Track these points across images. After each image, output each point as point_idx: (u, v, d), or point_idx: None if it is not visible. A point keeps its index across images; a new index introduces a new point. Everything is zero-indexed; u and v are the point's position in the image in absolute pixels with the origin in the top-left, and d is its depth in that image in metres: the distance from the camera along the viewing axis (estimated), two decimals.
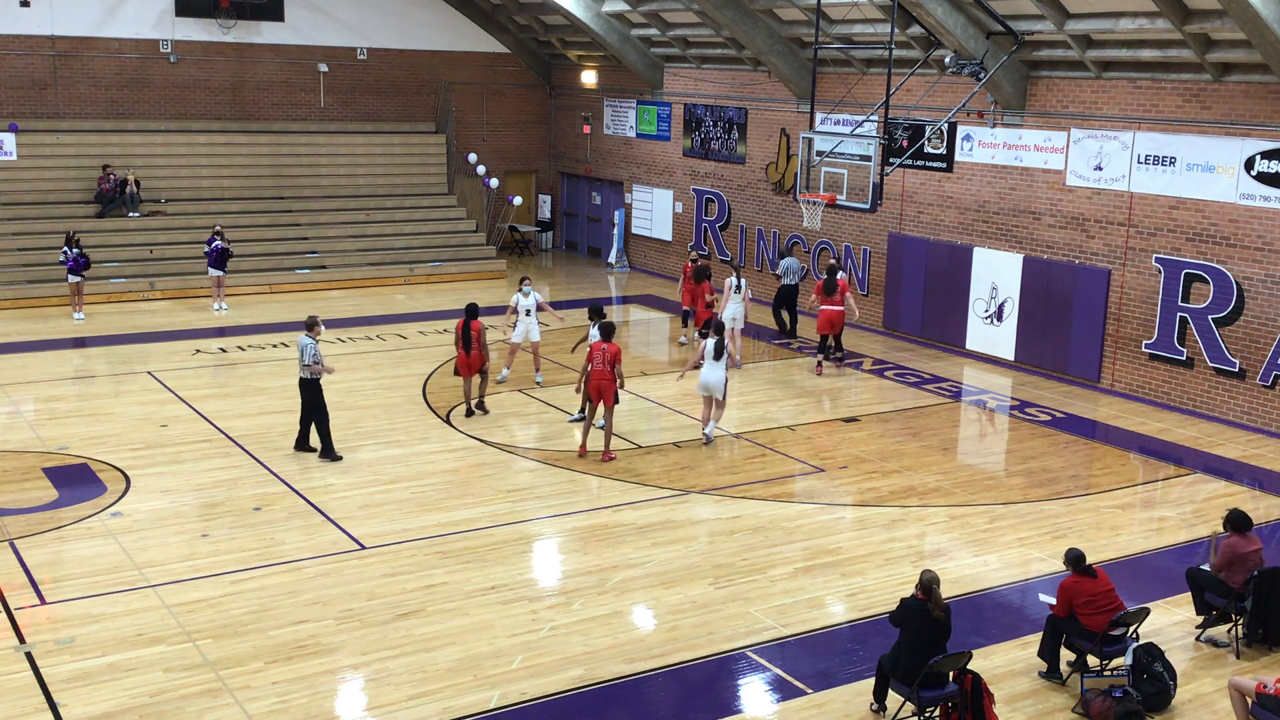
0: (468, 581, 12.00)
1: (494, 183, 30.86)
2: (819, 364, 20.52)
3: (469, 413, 17.55)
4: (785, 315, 23.05)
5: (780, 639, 10.99)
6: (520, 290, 18.89)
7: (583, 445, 16.06)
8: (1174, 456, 16.74)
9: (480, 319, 17.49)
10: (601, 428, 16.01)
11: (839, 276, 20.36)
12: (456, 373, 17.57)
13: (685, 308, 22.08)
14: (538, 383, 19.22)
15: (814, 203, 19.69)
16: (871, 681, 9.90)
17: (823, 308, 20.24)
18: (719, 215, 27.76)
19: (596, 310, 17.24)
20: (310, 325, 15.44)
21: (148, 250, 26.30)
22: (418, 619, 11.17)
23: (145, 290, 25.40)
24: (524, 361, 19.91)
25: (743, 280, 20.58)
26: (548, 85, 33.01)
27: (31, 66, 26.88)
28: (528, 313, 18.81)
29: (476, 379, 17.68)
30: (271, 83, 29.43)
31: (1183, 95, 18.32)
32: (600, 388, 15.66)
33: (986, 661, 10.46)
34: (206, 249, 24.18)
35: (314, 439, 15.72)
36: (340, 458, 15.41)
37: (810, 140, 19.88)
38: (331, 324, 23.05)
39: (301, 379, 15.41)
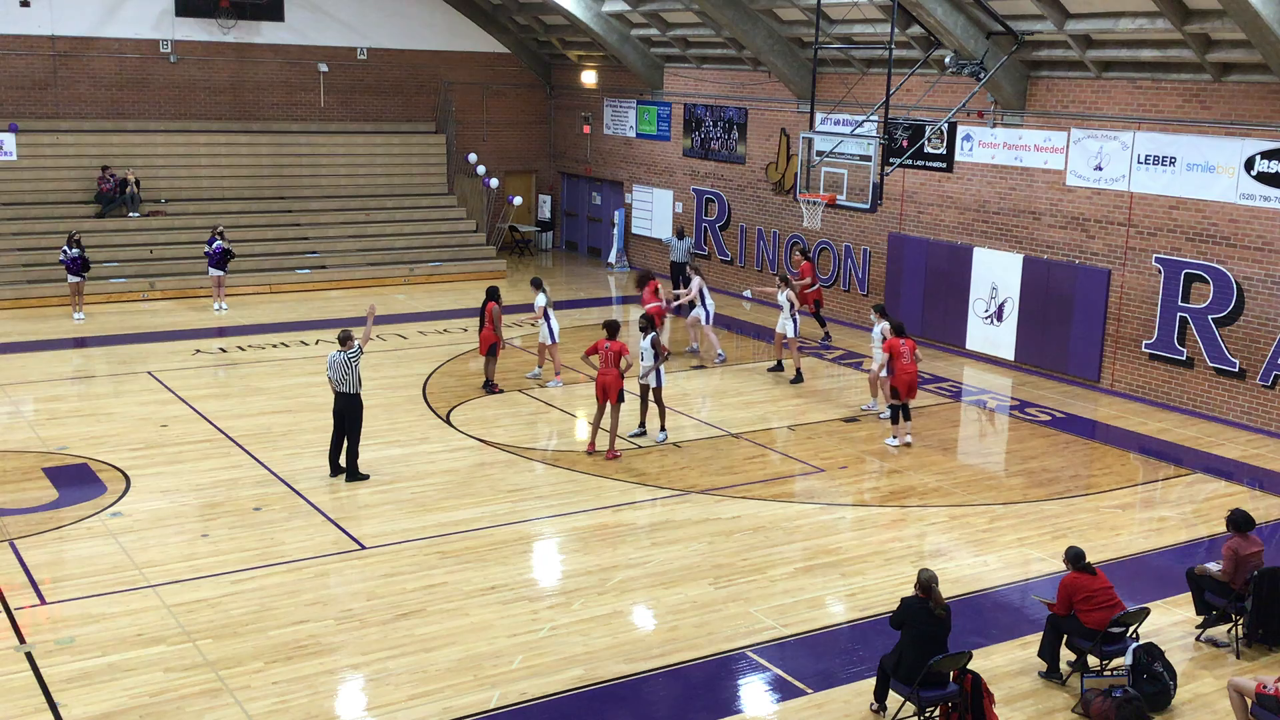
0: (468, 581, 12.00)
1: (494, 183, 30.87)
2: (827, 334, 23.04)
3: (485, 387, 18.79)
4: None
5: (780, 639, 10.99)
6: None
7: (591, 442, 16.12)
8: (1174, 456, 16.74)
9: (495, 302, 18.60)
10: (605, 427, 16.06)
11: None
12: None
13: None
14: (549, 385, 19.23)
15: (814, 203, 19.70)
16: (872, 681, 9.90)
17: (819, 285, 22.81)
18: (719, 215, 27.76)
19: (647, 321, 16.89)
20: (345, 339, 14.52)
21: (148, 250, 26.31)
22: (418, 619, 11.18)
23: (145, 290, 25.40)
24: (529, 362, 19.95)
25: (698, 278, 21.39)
26: (548, 85, 33.02)
27: (31, 66, 26.88)
28: (538, 309, 19.08)
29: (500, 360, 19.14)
30: (271, 83, 29.44)
31: (1183, 95, 18.33)
32: (605, 385, 15.72)
33: (986, 661, 10.46)
34: (207, 249, 24.19)
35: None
36: (367, 477, 14.88)
37: (810, 140, 19.89)
38: (331, 324, 23.06)
39: (345, 394, 14.50)
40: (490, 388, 18.77)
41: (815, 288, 22.51)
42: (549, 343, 19.15)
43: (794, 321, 19.74)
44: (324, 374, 19.47)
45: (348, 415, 14.63)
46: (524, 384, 19.32)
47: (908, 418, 16.72)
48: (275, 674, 10.10)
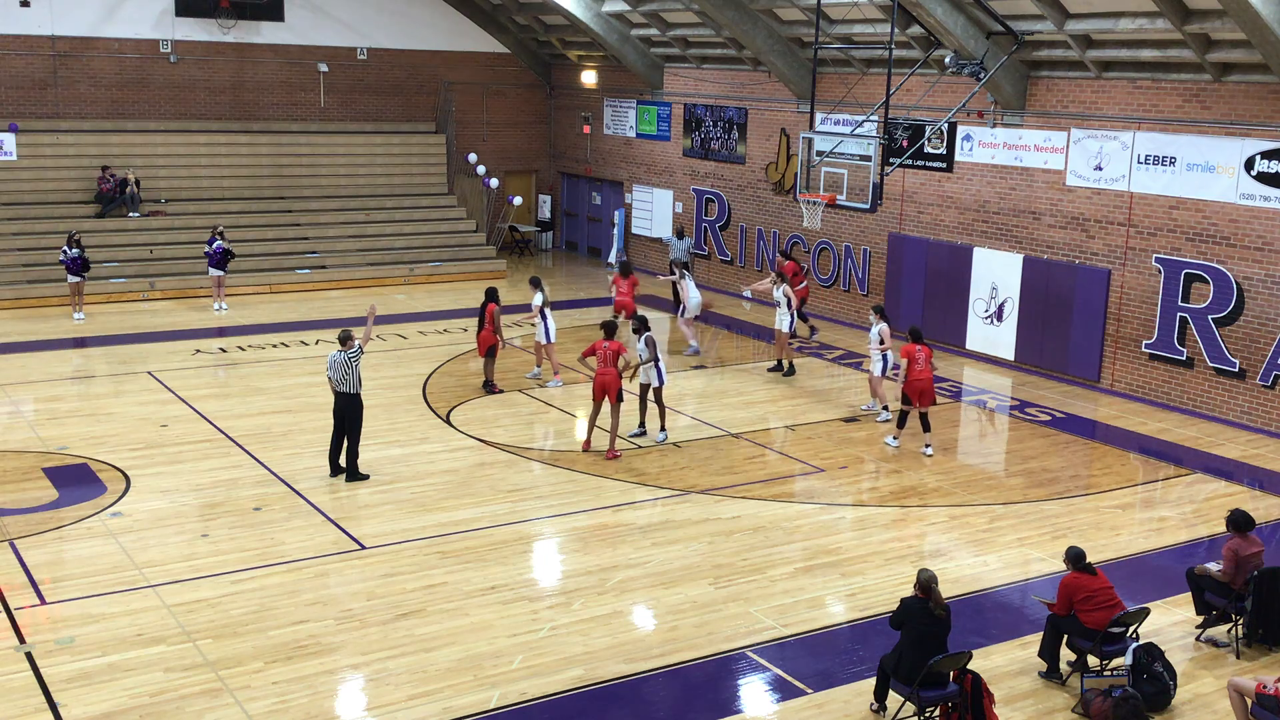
0: (468, 581, 12.00)
1: (494, 183, 30.87)
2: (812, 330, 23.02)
3: (485, 387, 18.79)
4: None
5: (780, 639, 10.99)
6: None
7: (587, 441, 16.15)
8: (1174, 456, 16.74)
9: (495, 303, 18.54)
10: (606, 427, 16.06)
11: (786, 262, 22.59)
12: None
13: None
14: (548, 385, 19.22)
15: (814, 203, 19.70)
16: (872, 681, 9.90)
17: (804, 284, 22.54)
18: (719, 215, 27.76)
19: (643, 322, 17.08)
20: (346, 339, 14.51)
21: (148, 250, 26.31)
22: (418, 619, 11.18)
23: (145, 290, 25.40)
24: (530, 362, 19.95)
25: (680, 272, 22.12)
26: (548, 85, 33.02)
27: (31, 66, 26.88)
28: (535, 309, 19.07)
29: (493, 359, 18.90)
30: (271, 83, 29.44)
31: (1183, 95, 18.33)
32: (604, 385, 15.73)
33: (986, 661, 10.47)
34: (207, 249, 24.19)
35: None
36: (367, 477, 14.82)
37: (810, 140, 19.89)
38: (331, 324, 23.06)
39: (345, 394, 14.45)
40: (490, 388, 18.77)
41: (802, 285, 22.46)
42: (545, 342, 19.14)
43: (790, 317, 20.00)
44: (324, 374, 19.54)
45: (348, 415, 14.63)
46: (524, 384, 19.32)
47: (927, 428, 16.38)
48: (275, 674, 10.10)
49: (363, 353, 14.71)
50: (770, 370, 20.46)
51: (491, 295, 18.72)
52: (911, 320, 22.77)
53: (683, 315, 21.82)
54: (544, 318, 18.97)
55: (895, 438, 16.63)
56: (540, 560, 12.86)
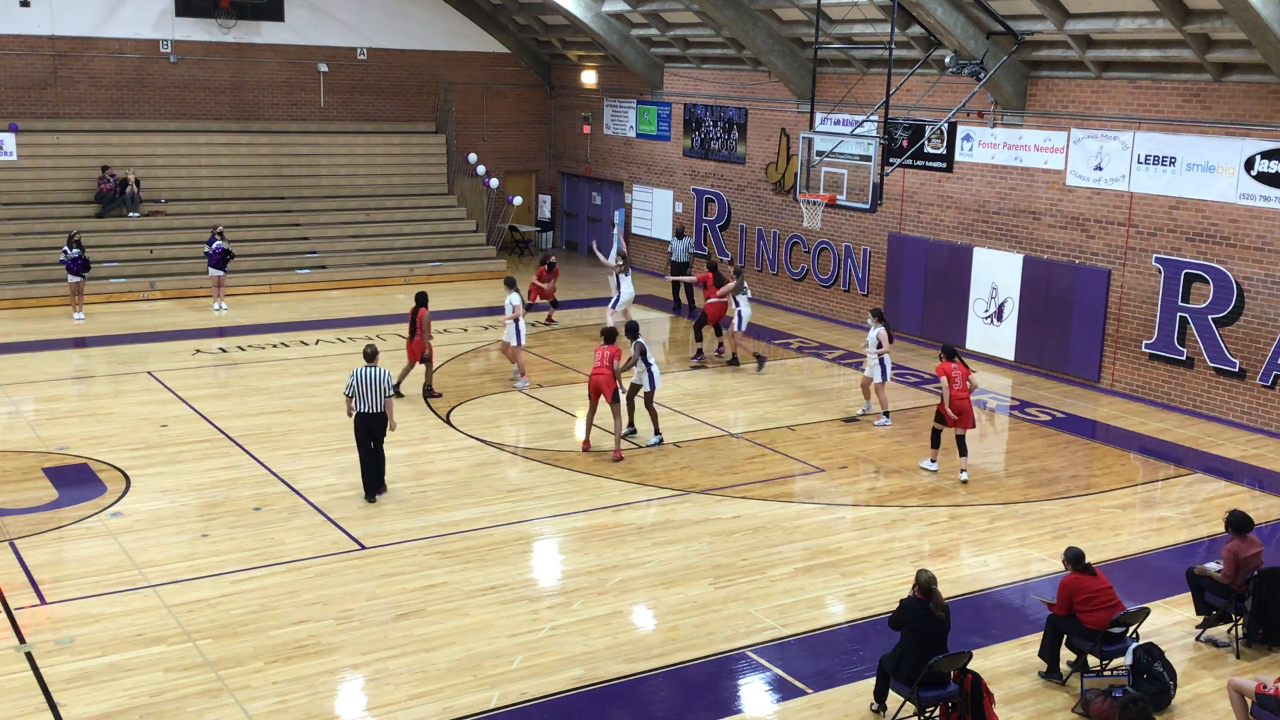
0: (468, 581, 12.00)
1: (494, 183, 30.86)
2: (698, 355, 21.34)
3: (424, 392, 18.37)
4: (683, 294, 25.73)
5: (780, 639, 10.99)
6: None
7: (586, 440, 16.16)
8: (1174, 456, 16.74)
9: (426, 308, 18.26)
10: (607, 428, 16.06)
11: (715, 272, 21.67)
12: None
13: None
14: (516, 385, 19.18)
15: (814, 203, 19.70)
16: (872, 681, 9.90)
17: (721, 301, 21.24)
18: (719, 215, 27.76)
19: (631, 328, 17.09)
20: (373, 355, 14.24)
21: (148, 250, 26.31)
22: (418, 619, 11.18)
23: (145, 290, 25.40)
24: (531, 363, 19.93)
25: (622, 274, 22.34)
26: (548, 85, 33.02)
27: (31, 66, 26.88)
28: (512, 309, 18.99)
29: (428, 366, 18.56)
30: (271, 83, 29.43)
31: (1183, 95, 18.33)
32: (598, 385, 15.77)
33: (986, 661, 10.47)
34: (207, 249, 24.18)
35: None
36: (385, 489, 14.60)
37: (810, 140, 19.87)
38: (331, 324, 23.06)
39: (375, 414, 13.97)
40: (429, 392, 18.38)
41: (713, 301, 21.15)
42: (514, 343, 18.98)
43: (744, 311, 20.33)
44: (323, 373, 19.56)
45: (378, 433, 14.21)
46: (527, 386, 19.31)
47: (964, 451, 15.33)
48: (275, 674, 10.11)
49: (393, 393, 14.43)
50: (728, 364, 20.85)
51: (421, 300, 18.34)
52: (911, 320, 22.84)
53: (613, 308, 21.89)
54: (517, 320, 18.81)
55: (933, 460, 15.69)
56: (540, 560, 12.86)
